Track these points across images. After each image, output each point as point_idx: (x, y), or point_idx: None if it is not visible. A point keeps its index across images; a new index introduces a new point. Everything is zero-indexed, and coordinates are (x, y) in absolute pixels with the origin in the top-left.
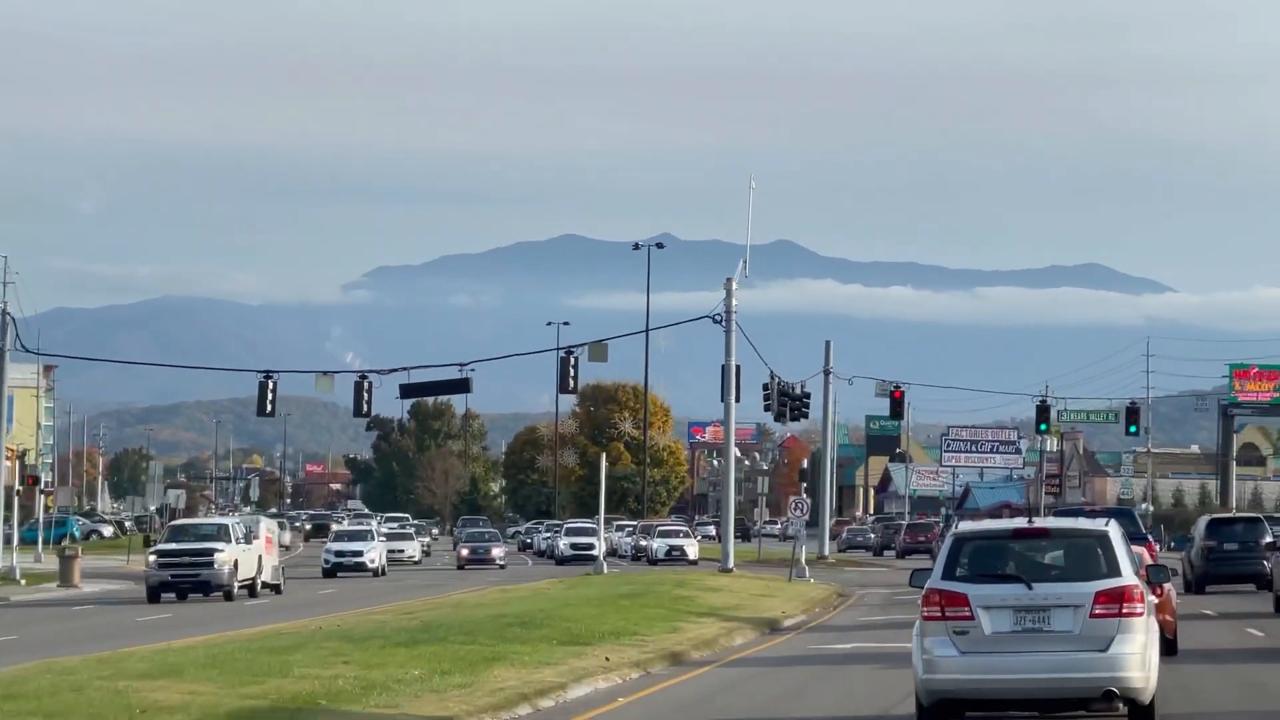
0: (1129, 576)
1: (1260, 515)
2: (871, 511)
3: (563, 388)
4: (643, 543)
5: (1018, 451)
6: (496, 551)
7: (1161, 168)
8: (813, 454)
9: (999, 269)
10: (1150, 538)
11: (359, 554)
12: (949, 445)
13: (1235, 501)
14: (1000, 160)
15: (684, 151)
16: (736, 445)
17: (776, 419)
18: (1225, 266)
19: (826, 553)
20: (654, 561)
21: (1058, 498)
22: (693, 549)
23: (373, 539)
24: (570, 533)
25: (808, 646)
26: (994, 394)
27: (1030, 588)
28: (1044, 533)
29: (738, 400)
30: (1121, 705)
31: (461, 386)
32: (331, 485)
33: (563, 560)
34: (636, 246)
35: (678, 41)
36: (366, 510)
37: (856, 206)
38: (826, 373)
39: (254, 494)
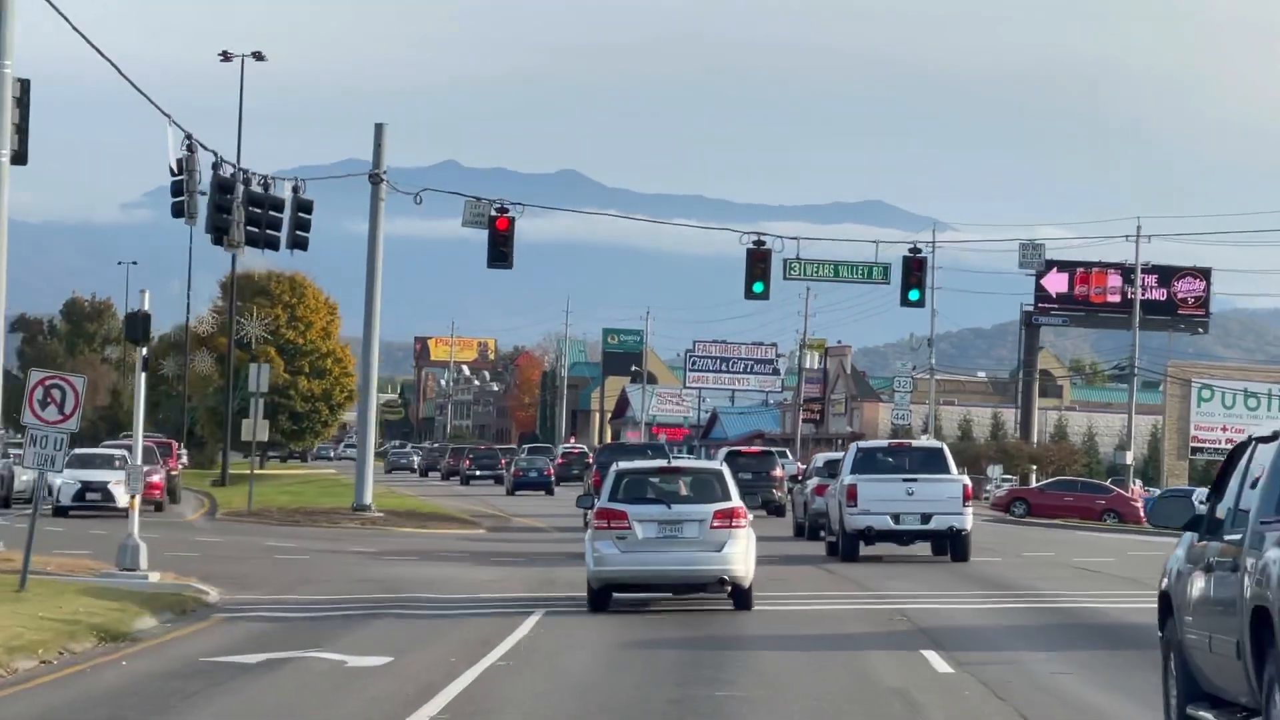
0: (736, 500)
1: (772, 449)
2: (609, 439)
3: None
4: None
5: (775, 372)
6: None
7: (940, 104)
8: (543, 373)
9: (784, 204)
10: None
11: None
12: (694, 364)
13: (1036, 435)
14: (782, 94)
15: (469, 80)
16: (466, 365)
17: (217, 240)
18: (1008, 206)
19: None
20: (60, 510)
21: (819, 426)
22: (119, 490)
23: None
24: None
25: None
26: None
27: (669, 507)
28: (678, 470)
29: None
30: (729, 588)
31: None
32: None
33: None
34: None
35: None
36: None
37: (642, 137)
38: (376, 180)
39: None
